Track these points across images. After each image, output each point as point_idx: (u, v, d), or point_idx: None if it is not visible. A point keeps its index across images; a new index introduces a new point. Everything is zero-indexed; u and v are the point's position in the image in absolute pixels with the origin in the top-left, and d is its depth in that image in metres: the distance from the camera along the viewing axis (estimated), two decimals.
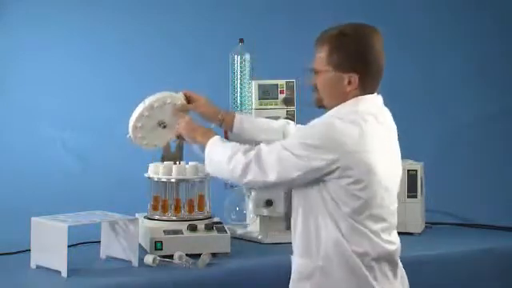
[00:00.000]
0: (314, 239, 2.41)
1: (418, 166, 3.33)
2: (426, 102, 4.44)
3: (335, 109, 2.45)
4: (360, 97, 2.44)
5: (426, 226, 3.44)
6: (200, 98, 2.88)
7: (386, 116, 2.50)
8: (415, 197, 3.32)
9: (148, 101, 2.83)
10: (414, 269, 2.53)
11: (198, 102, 2.87)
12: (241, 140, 2.86)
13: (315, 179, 2.38)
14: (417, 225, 3.31)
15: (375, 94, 2.48)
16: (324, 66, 2.44)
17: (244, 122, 2.84)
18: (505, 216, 3.59)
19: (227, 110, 2.90)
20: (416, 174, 3.31)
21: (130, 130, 2.85)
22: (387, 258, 2.42)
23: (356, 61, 2.41)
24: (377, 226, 2.40)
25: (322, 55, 2.45)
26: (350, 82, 2.42)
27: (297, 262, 2.47)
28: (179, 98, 2.85)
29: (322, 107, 2.51)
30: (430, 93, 4.47)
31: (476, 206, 3.77)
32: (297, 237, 2.47)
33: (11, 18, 4.38)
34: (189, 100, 2.87)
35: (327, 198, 2.38)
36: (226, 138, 2.89)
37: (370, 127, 2.40)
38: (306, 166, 2.36)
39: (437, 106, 4.46)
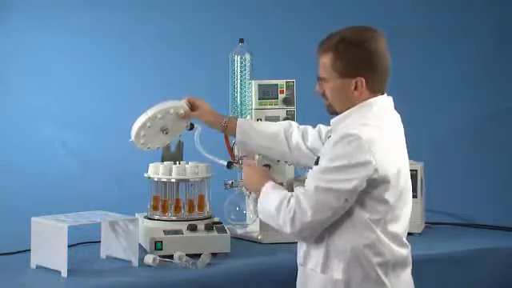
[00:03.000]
0: (334, 250, 2.40)
1: (418, 166, 3.32)
2: (425, 102, 4.44)
3: (348, 114, 2.45)
4: (372, 99, 2.44)
5: (425, 226, 3.44)
6: (204, 104, 2.91)
7: (398, 117, 2.52)
8: (415, 197, 3.30)
9: (151, 112, 2.85)
10: (413, 269, 2.53)
11: (201, 110, 2.90)
12: (245, 146, 2.89)
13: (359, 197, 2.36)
14: (417, 225, 3.31)
15: (385, 94, 2.49)
16: (329, 73, 2.44)
17: (246, 129, 2.87)
18: (505, 216, 3.59)
19: (230, 117, 2.92)
20: (416, 174, 3.30)
21: (133, 137, 2.87)
22: (404, 263, 2.45)
23: (360, 65, 2.41)
24: (398, 228, 2.42)
25: (326, 62, 2.44)
26: (356, 87, 2.42)
27: (315, 278, 2.44)
28: (182, 107, 2.87)
29: (334, 113, 2.50)
30: (429, 93, 4.48)
31: (476, 206, 3.77)
32: (313, 247, 2.45)
33: (12, 19, 4.38)
34: (192, 106, 2.89)
35: (354, 206, 2.37)
36: (227, 142, 2.95)
37: (389, 128, 2.43)
38: (345, 190, 2.33)
39: (437, 105, 4.46)
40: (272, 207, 2.44)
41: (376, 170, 2.32)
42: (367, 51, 2.41)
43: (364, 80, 2.41)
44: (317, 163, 2.43)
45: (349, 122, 2.42)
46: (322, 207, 2.34)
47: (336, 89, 2.45)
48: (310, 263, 2.46)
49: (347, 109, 2.46)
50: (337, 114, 2.50)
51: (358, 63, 2.41)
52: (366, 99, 2.44)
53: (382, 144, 2.35)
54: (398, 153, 2.44)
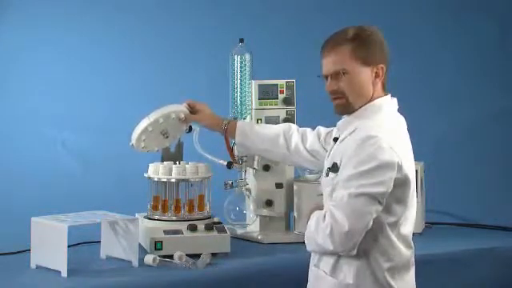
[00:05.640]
0: (346, 254, 2.37)
1: (418, 166, 3.32)
2: (426, 102, 4.44)
3: (357, 116, 2.43)
4: (379, 100, 2.44)
5: (425, 226, 3.44)
6: (204, 108, 2.92)
7: (403, 119, 2.52)
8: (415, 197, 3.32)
9: (152, 117, 2.86)
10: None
11: (202, 114, 2.91)
12: (245, 149, 2.91)
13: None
14: (417, 225, 3.29)
15: (389, 95, 2.49)
16: (349, 64, 2.42)
17: (246, 131, 2.89)
18: (505, 216, 3.59)
19: (230, 120, 2.93)
20: (416, 174, 3.30)
21: (134, 141, 2.87)
22: (409, 265, 2.46)
23: (379, 52, 2.44)
24: (408, 229, 2.42)
25: (342, 55, 2.42)
26: (377, 74, 2.43)
27: (326, 281, 2.43)
28: (182, 111, 2.88)
29: (344, 113, 2.48)
30: (429, 93, 4.47)
31: (476, 206, 3.77)
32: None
33: (12, 18, 4.37)
34: (192, 110, 2.89)
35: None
36: (227, 142, 2.95)
37: (400, 128, 2.44)
38: (378, 193, 2.30)
39: (437, 105, 4.46)
40: (311, 232, 2.40)
41: (400, 170, 2.33)
42: (381, 41, 2.45)
43: (384, 67, 2.43)
44: (333, 169, 2.41)
45: (358, 123, 2.41)
46: (357, 214, 2.30)
47: (356, 79, 2.42)
48: (323, 265, 2.45)
49: (362, 103, 2.44)
50: (347, 113, 2.47)
51: (377, 51, 2.43)
52: (378, 96, 2.44)
53: (398, 144, 2.36)
54: (408, 153, 2.45)
